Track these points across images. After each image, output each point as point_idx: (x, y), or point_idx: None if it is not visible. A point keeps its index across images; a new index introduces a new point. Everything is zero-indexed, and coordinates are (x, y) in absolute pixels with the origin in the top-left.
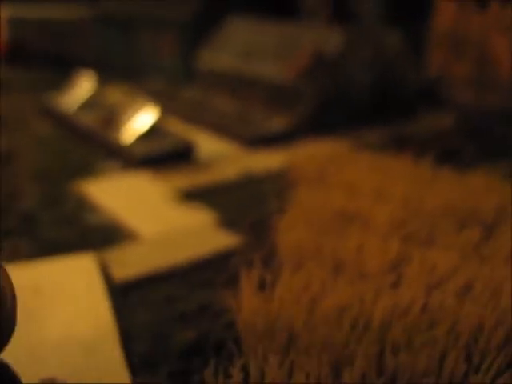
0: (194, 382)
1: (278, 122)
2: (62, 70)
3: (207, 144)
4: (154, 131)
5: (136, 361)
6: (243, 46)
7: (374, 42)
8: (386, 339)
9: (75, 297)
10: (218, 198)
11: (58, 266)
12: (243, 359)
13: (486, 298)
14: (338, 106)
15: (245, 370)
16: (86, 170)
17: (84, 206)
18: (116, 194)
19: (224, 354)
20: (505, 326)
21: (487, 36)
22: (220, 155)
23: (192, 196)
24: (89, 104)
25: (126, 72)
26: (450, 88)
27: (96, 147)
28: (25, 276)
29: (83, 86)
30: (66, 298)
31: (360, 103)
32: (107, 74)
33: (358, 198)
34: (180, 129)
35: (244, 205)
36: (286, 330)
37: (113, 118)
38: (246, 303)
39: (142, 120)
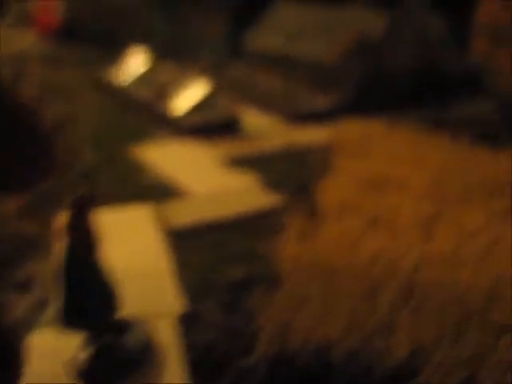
0: (241, 308)
1: (321, 101)
2: (115, 47)
3: (253, 118)
4: (203, 103)
5: (190, 291)
6: (289, 28)
7: (417, 27)
8: (414, 279)
9: (137, 240)
10: (264, 165)
11: (119, 214)
12: (286, 287)
13: (509, 256)
14: (379, 87)
15: (288, 294)
16: (140, 137)
17: (139, 167)
18: (168, 158)
19: (270, 286)
20: None
21: None
22: (265, 129)
23: (239, 162)
24: (142, 78)
25: (175, 50)
26: (492, 76)
27: (149, 118)
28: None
29: (137, 61)
30: (128, 241)
31: (401, 86)
32: (158, 50)
33: (396, 165)
34: (228, 103)
35: (289, 171)
36: (326, 264)
37: (165, 91)
38: (289, 248)
39: (192, 93)
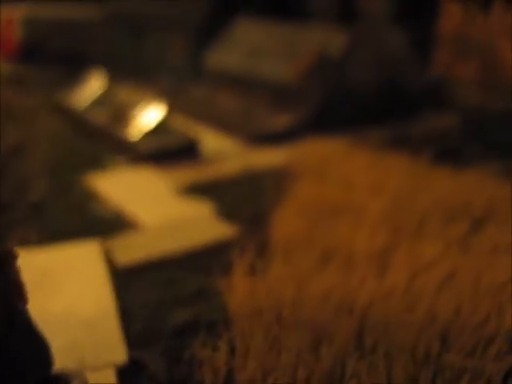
0: (186, 357)
1: (281, 121)
2: (74, 69)
3: (212, 141)
4: (160, 128)
5: (134, 337)
6: (249, 47)
7: (378, 43)
8: (366, 320)
9: (80, 279)
10: (219, 192)
11: (64, 251)
12: (231, 335)
13: (466, 287)
14: (340, 106)
15: (232, 344)
16: (94, 163)
17: (91, 197)
18: (121, 187)
19: (214, 331)
20: (481, 313)
21: (491, 38)
22: (224, 151)
23: (194, 190)
24: (99, 101)
25: (135, 71)
26: (454, 89)
27: (105, 143)
28: (34, 260)
29: (94, 84)
30: (71, 281)
31: (363, 103)
32: (117, 72)
33: (352, 191)
34: (186, 126)
35: (243, 198)
36: (273, 310)
37: (121, 115)
38: (238, 287)
39: (149, 117)
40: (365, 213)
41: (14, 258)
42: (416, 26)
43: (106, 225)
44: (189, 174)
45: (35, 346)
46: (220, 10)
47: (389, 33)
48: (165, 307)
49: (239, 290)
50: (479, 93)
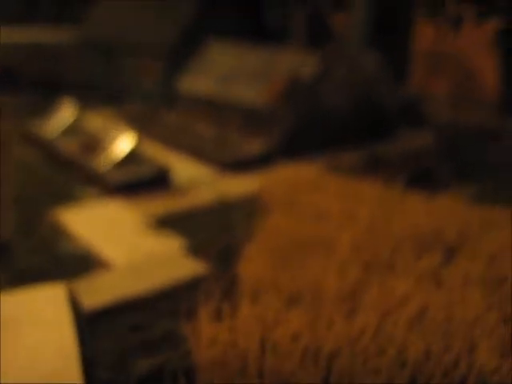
0: None
1: (254, 146)
2: (47, 95)
3: (184, 168)
4: (131, 158)
5: None
6: (221, 70)
7: (351, 64)
8: (333, 367)
9: (43, 326)
10: (190, 225)
11: (28, 296)
12: None
13: (437, 323)
14: (314, 129)
15: None
16: (64, 196)
17: (59, 234)
18: (91, 223)
19: (178, 381)
20: (453, 352)
21: (464, 54)
22: (196, 180)
23: (164, 223)
24: (70, 130)
25: (108, 95)
26: (428, 107)
27: (75, 173)
28: None
29: (65, 113)
30: (34, 328)
31: (336, 126)
32: (90, 97)
33: (324, 223)
34: (159, 153)
35: (214, 231)
36: (239, 359)
37: (92, 145)
38: (204, 333)
39: (119, 146)
40: (335, 246)
41: None
42: (390, 45)
43: (74, 263)
44: (160, 205)
45: None
46: (192, 32)
47: (362, 53)
48: (130, 354)
49: (204, 335)
50: (452, 109)
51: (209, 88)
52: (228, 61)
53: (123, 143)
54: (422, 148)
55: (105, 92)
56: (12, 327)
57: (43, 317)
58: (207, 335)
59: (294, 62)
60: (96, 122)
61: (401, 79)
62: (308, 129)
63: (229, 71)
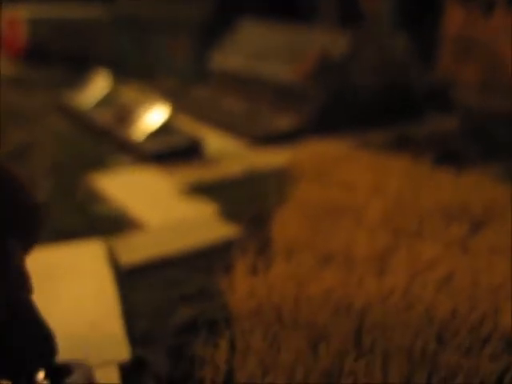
0: (187, 355)
1: (284, 122)
2: (79, 69)
3: (215, 141)
4: (164, 129)
5: (137, 336)
6: (253, 48)
7: (381, 45)
8: (364, 320)
9: (84, 278)
10: (222, 193)
11: (68, 251)
12: (232, 333)
13: (464, 287)
14: (343, 107)
15: (232, 342)
16: (99, 164)
17: (95, 197)
18: (126, 188)
19: (215, 330)
20: (478, 312)
21: (494, 40)
22: (227, 152)
23: (198, 190)
24: (103, 102)
25: (139, 71)
26: (457, 91)
27: (109, 143)
28: (38, 260)
29: (99, 84)
30: (75, 280)
31: (365, 106)
32: (122, 72)
33: (353, 193)
34: (190, 127)
35: (246, 199)
36: (274, 310)
37: (126, 116)
38: (239, 286)
39: (153, 118)
40: (365, 214)
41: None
42: (419, 28)
43: (110, 224)
44: (192, 174)
45: (38, 335)
46: (224, 11)
47: (392, 35)
48: (167, 306)
49: (240, 289)
50: (481, 95)
51: (240, 65)
52: (259, 39)
53: (157, 115)
54: (450, 130)
55: (136, 67)
56: (54, 278)
57: (84, 269)
58: (243, 288)
59: (324, 42)
60: (129, 94)
61: (429, 63)
62: (337, 107)
63: (260, 49)
